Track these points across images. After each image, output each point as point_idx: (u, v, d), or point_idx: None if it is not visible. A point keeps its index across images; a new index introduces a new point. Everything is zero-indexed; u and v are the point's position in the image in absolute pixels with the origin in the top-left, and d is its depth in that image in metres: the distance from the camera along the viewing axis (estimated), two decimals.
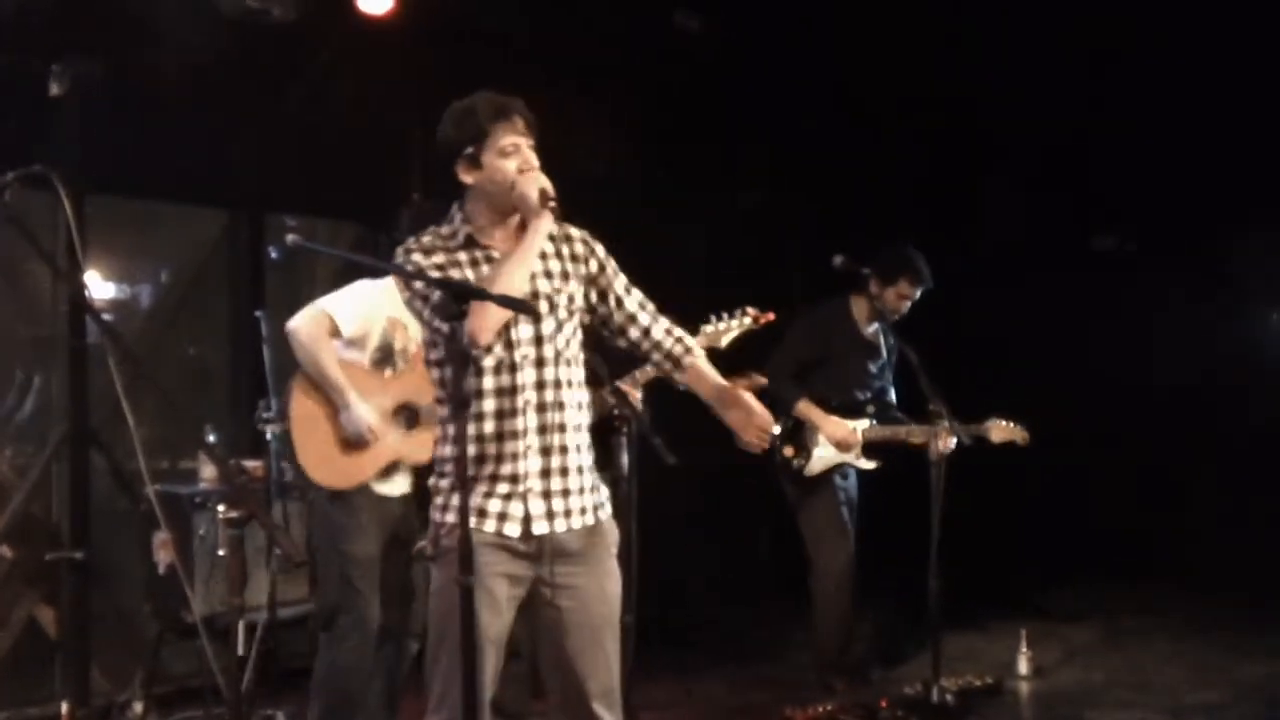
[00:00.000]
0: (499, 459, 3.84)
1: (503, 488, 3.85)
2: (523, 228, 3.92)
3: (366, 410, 5.34)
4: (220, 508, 5.63)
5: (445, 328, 3.74)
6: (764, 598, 9.07)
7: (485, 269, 3.88)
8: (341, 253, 5.41)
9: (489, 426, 3.84)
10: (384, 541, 5.44)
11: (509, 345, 3.85)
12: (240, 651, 4.67)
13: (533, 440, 3.86)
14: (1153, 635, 8.37)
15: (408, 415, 5.47)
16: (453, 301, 3.66)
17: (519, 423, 3.85)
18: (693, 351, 4.18)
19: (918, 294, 7.02)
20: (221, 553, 5.87)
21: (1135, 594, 9.41)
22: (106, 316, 6.99)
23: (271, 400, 6.19)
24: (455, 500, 3.76)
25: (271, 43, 6.90)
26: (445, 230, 3.98)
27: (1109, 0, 8.40)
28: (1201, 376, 9.66)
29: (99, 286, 7.42)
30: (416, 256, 3.89)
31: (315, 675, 5.45)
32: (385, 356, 5.48)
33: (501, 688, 3.98)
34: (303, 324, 5.38)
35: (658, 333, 4.16)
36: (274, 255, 8.02)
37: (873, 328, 7.21)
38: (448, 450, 3.88)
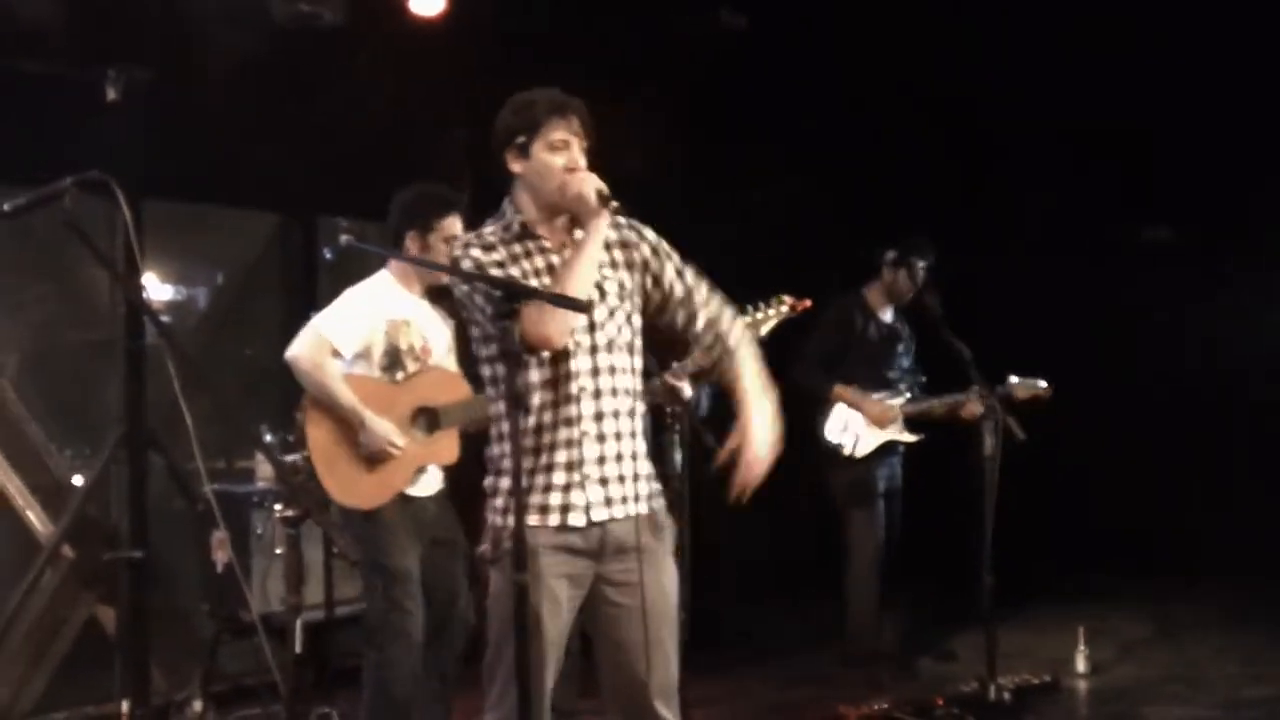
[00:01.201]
0: (553, 447, 3.83)
1: (560, 477, 3.83)
2: (570, 225, 3.92)
3: (384, 425, 5.23)
4: (277, 507, 5.70)
5: (496, 328, 3.75)
6: (810, 592, 9.07)
7: (539, 260, 3.89)
8: (394, 253, 5.40)
9: (546, 417, 3.83)
10: (423, 545, 5.39)
11: None
12: (298, 650, 4.71)
13: (589, 427, 3.85)
14: (1206, 629, 8.35)
15: (427, 419, 5.37)
16: (505, 300, 3.66)
17: (574, 409, 3.83)
18: (741, 341, 4.12)
19: (922, 268, 7.35)
20: (279, 551, 5.92)
21: (1185, 587, 9.36)
22: (163, 319, 7.05)
23: None
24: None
25: (323, 46, 6.95)
26: (499, 224, 3.96)
27: None
28: (1245, 365, 9.63)
29: (155, 289, 7.49)
30: (476, 252, 3.85)
31: (366, 690, 5.38)
32: (394, 360, 5.36)
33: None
34: (302, 351, 5.28)
35: (707, 311, 4.08)
36: (327, 256, 8.08)
37: (889, 313, 7.57)
38: (503, 448, 3.87)
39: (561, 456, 3.84)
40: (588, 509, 3.84)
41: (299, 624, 4.69)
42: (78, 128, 6.25)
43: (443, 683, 5.57)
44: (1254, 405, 9.72)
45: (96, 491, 6.64)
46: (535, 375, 3.83)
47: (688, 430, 5.12)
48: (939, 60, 9.04)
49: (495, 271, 3.81)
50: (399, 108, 7.37)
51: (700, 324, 4.09)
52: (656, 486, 4.04)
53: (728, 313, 4.15)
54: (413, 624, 5.29)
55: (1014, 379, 6.93)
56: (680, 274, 4.07)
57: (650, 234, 4.05)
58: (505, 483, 3.84)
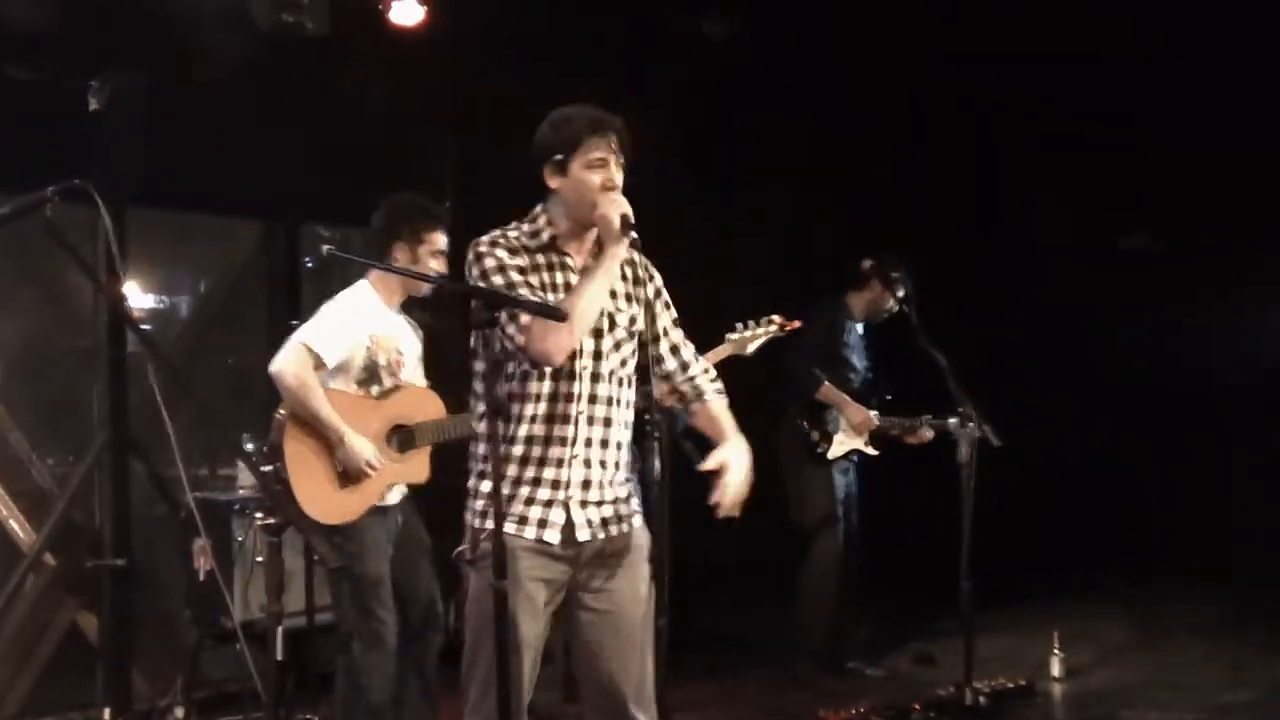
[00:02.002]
0: (543, 463, 3.88)
1: (544, 493, 3.88)
2: (599, 244, 3.95)
3: (364, 443, 5.26)
4: (258, 515, 5.71)
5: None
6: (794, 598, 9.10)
7: (560, 276, 3.92)
8: (375, 262, 5.41)
9: (539, 429, 3.87)
10: (393, 550, 5.42)
11: (571, 354, 3.86)
12: (279, 656, 4.72)
13: (579, 451, 3.90)
14: (1186, 634, 8.38)
15: (401, 437, 5.40)
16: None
17: (569, 431, 3.89)
18: (720, 393, 4.24)
19: (896, 279, 7.43)
20: (260, 559, 5.94)
21: (1172, 593, 9.40)
22: (145, 327, 7.06)
23: None
24: None
25: (306, 54, 6.96)
26: (528, 228, 3.98)
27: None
28: (1229, 373, 9.69)
29: (138, 297, 7.49)
30: (501, 253, 3.88)
31: (339, 697, 5.41)
32: (370, 375, 5.39)
33: (536, 691, 4.01)
34: (288, 365, 5.27)
35: (695, 367, 4.21)
36: (310, 264, 8.09)
37: (861, 325, 7.67)
38: (486, 449, 3.88)
39: (549, 474, 3.89)
40: (570, 528, 3.89)
41: (280, 631, 4.69)
42: (61, 135, 6.27)
43: (427, 682, 5.59)
44: (1248, 409, 9.77)
45: (81, 498, 6.66)
46: (535, 387, 3.87)
47: (666, 437, 5.14)
48: (937, 65, 9.07)
49: (515, 276, 3.84)
50: (384, 115, 7.38)
51: (671, 366, 4.17)
52: (636, 500, 4.07)
53: (699, 363, 4.25)
54: (386, 630, 5.33)
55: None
56: (675, 323, 4.16)
57: (658, 277, 4.11)
58: (487, 485, 3.86)
